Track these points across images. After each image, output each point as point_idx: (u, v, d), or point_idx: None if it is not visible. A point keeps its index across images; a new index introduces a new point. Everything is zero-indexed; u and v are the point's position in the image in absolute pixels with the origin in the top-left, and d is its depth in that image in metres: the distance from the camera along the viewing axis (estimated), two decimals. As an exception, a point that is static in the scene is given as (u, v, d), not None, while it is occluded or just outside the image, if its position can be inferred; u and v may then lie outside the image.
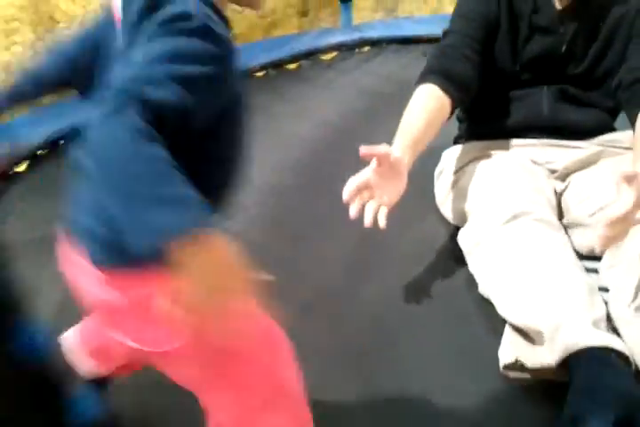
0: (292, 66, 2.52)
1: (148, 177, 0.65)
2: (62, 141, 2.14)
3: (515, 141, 1.60)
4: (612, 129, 1.63)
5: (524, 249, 1.34)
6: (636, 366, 1.19)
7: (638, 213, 1.13)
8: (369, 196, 1.23)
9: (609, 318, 1.27)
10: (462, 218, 1.54)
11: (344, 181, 1.24)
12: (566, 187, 1.56)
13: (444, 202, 1.64)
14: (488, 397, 1.25)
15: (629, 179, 1.13)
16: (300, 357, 0.96)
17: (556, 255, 1.34)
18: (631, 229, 1.16)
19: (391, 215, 1.26)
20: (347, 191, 1.20)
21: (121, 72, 0.74)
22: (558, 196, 1.55)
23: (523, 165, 1.54)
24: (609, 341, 1.17)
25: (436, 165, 1.71)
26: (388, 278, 1.52)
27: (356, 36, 2.67)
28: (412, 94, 1.48)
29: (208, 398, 0.95)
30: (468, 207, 1.51)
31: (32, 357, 0.93)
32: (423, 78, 1.49)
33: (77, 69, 0.94)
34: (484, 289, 1.41)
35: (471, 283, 1.46)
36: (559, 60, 1.55)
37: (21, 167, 2.02)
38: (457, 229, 1.57)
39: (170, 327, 0.74)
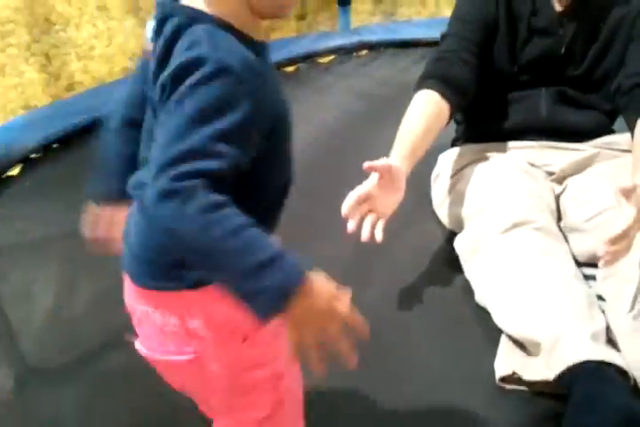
0: (290, 69, 2.50)
1: (241, 252, 0.69)
2: (56, 145, 2.12)
3: (512, 144, 1.59)
4: (610, 131, 1.62)
5: (524, 260, 1.33)
6: (634, 380, 1.17)
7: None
8: (367, 208, 1.21)
9: (608, 331, 1.25)
10: (459, 223, 1.52)
11: (341, 185, 1.23)
12: (564, 190, 1.55)
13: (441, 206, 1.63)
14: (484, 409, 1.23)
15: (627, 193, 1.12)
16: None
17: (556, 267, 1.32)
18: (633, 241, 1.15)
19: (387, 219, 1.24)
20: (346, 205, 1.19)
21: (164, 146, 0.72)
22: (556, 198, 1.54)
23: (521, 168, 1.52)
24: (608, 355, 1.16)
25: (432, 167, 1.69)
26: (383, 284, 1.50)
27: (354, 39, 2.65)
28: (410, 98, 1.47)
29: (206, 411, 0.98)
30: (466, 213, 1.49)
31: None
32: (421, 84, 1.48)
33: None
34: (480, 298, 1.39)
35: (467, 291, 1.44)
36: (558, 62, 1.54)
37: (14, 171, 2.00)
38: (453, 233, 1.55)
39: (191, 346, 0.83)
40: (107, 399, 1.31)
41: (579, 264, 1.42)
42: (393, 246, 1.56)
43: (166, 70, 0.74)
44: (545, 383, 1.20)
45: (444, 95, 1.44)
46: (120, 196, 0.90)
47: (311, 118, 2.18)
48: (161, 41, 0.76)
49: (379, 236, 1.21)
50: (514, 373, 1.22)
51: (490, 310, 1.35)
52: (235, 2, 0.76)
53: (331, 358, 0.74)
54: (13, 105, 2.55)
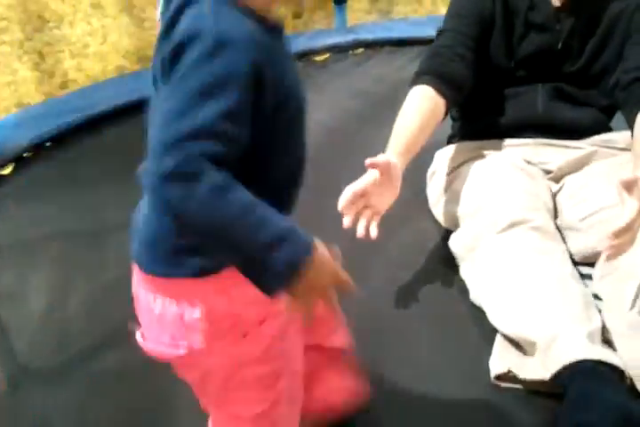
0: (286, 67, 2.49)
1: (248, 231, 0.70)
2: (49, 144, 2.10)
3: (509, 141, 1.58)
4: (607, 128, 1.61)
5: (520, 260, 1.32)
6: (630, 380, 1.16)
7: None
8: (363, 204, 1.20)
9: (604, 330, 1.25)
10: (455, 221, 1.51)
11: (337, 183, 1.21)
12: (560, 188, 1.54)
13: (437, 204, 1.61)
14: (479, 407, 1.22)
15: (629, 185, 1.11)
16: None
17: (552, 267, 1.31)
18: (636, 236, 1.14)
19: (382, 217, 1.23)
20: (343, 200, 1.17)
21: (168, 124, 0.71)
22: (553, 197, 1.53)
23: (518, 166, 1.51)
24: (604, 355, 1.15)
25: (428, 165, 1.68)
26: (377, 283, 1.49)
27: (350, 37, 2.64)
28: (405, 96, 1.46)
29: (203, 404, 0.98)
30: (462, 211, 1.48)
31: None
32: (416, 80, 1.47)
33: None
34: (475, 297, 1.38)
35: (462, 289, 1.43)
36: (555, 57, 1.53)
37: (7, 170, 1.98)
38: (449, 232, 1.54)
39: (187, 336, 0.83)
40: (99, 400, 1.31)
41: (575, 263, 1.41)
42: (388, 245, 1.55)
43: (168, 44, 0.72)
44: (541, 382, 1.19)
45: (439, 91, 1.43)
46: None
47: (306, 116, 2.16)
48: (167, 14, 0.75)
49: (373, 232, 1.20)
50: (509, 371, 1.21)
51: (485, 309, 1.34)
52: None
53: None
54: (6, 103, 2.53)
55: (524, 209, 1.39)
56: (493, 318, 1.31)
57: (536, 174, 1.53)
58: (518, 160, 1.53)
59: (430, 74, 1.45)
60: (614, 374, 1.14)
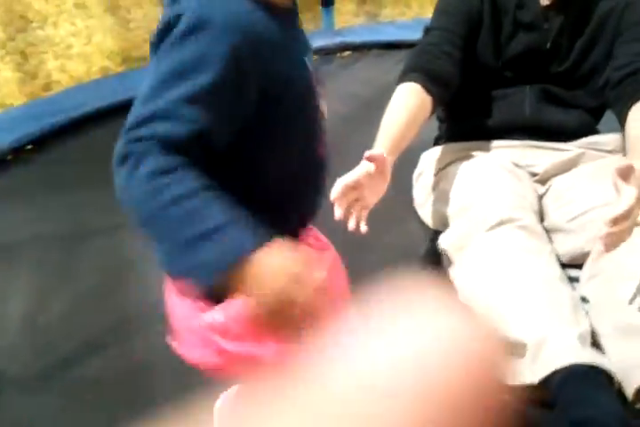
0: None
1: (179, 223, 0.63)
2: (30, 146, 2.07)
3: (496, 143, 1.57)
4: (594, 131, 1.60)
5: (508, 260, 1.31)
6: (619, 384, 1.15)
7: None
8: (355, 196, 1.19)
9: (592, 333, 1.23)
10: (443, 221, 1.50)
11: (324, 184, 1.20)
12: (547, 190, 1.53)
13: (424, 205, 1.60)
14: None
15: (625, 172, 1.09)
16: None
17: (541, 268, 1.30)
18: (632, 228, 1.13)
19: (368, 219, 1.22)
20: (335, 191, 1.16)
21: (132, 109, 0.68)
22: (539, 199, 1.52)
23: (505, 167, 1.50)
24: (595, 359, 1.14)
25: (414, 166, 1.67)
26: (363, 286, 1.47)
27: (337, 40, 2.63)
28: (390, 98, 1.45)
29: None
30: (450, 211, 1.47)
31: None
32: (403, 77, 1.45)
33: None
34: (464, 297, 1.36)
35: (450, 290, 1.41)
36: (543, 57, 1.52)
37: (-13, 172, 1.95)
38: (435, 233, 1.53)
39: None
40: (81, 406, 1.28)
41: (562, 266, 1.40)
42: (373, 246, 1.54)
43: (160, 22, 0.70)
44: (528, 388, 1.17)
45: (426, 88, 1.42)
46: None
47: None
48: None
49: (364, 228, 1.19)
50: None
51: (474, 310, 1.33)
52: None
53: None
54: (-12, 104, 2.50)
55: (511, 208, 1.38)
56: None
57: (523, 177, 1.52)
58: (505, 162, 1.52)
59: (417, 71, 1.44)
60: (605, 378, 1.13)
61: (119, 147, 0.65)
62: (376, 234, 1.42)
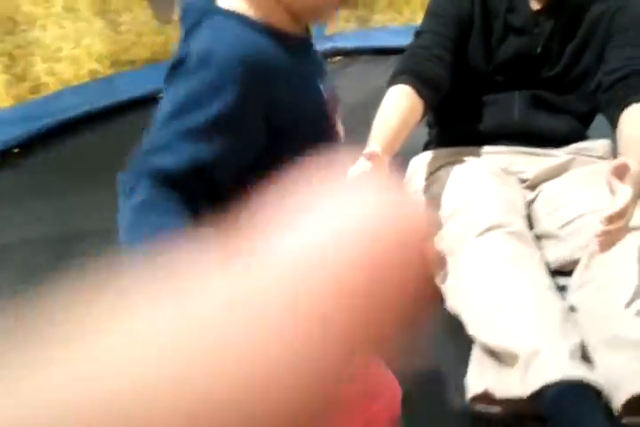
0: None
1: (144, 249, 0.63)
2: (17, 150, 2.05)
3: (485, 148, 1.56)
4: (584, 137, 1.60)
5: (498, 269, 1.29)
6: (607, 398, 1.14)
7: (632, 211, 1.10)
8: None
9: (582, 345, 1.22)
10: (434, 225, 1.49)
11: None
12: (536, 196, 1.52)
13: None
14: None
15: (620, 171, 1.09)
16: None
17: (531, 277, 1.29)
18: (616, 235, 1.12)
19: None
20: None
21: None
22: (528, 206, 1.51)
23: (494, 173, 1.49)
24: (585, 374, 1.13)
25: (403, 172, 1.65)
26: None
27: (328, 45, 2.63)
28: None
29: None
30: (439, 216, 1.46)
31: None
32: (394, 79, 1.44)
33: None
34: (452, 305, 1.35)
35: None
36: (534, 61, 1.51)
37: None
38: None
39: None
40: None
41: (551, 273, 1.38)
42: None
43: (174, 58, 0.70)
44: (518, 402, 1.15)
45: (417, 90, 1.40)
46: None
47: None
48: (184, 26, 0.72)
49: None
50: (486, 391, 1.18)
51: (462, 318, 1.31)
52: (264, 3, 0.71)
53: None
54: (-25, 107, 2.47)
55: (500, 214, 1.37)
56: (472, 328, 1.28)
57: (512, 183, 1.51)
58: (495, 168, 1.51)
59: (408, 74, 1.43)
60: (594, 394, 1.12)
61: (122, 174, 0.67)
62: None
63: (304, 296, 0.23)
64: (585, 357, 1.21)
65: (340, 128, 0.79)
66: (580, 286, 1.32)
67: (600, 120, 1.58)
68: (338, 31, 2.81)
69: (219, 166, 0.68)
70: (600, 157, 1.53)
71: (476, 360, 1.25)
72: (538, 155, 1.55)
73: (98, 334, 0.21)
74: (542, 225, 1.46)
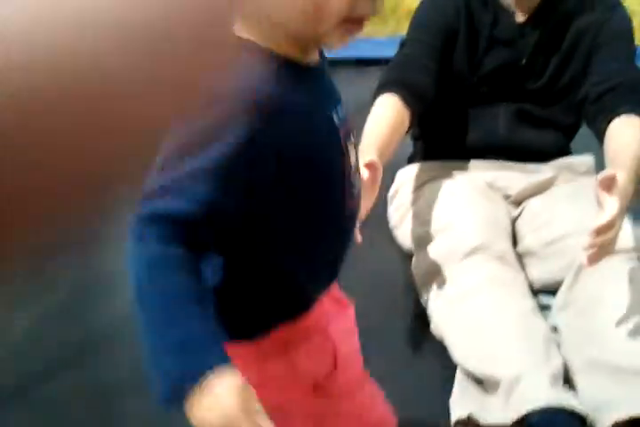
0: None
1: (155, 320, 0.63)
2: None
3: (470, 163, 1.57)
4: (568, 151, 1.61)
5: (481, 293, 1.30)
6: (590, 423, 1.15)
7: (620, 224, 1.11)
8: None
9: (564, 368, 1.23)
10: (418, 244, 1.48)
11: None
12: (520, 213, 1.53)
13: (399, 226, 1.59)
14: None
15: (608, 183, 1.10)
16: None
17: (514, 300, 1.30)
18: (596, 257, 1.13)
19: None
20: None
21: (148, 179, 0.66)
22: (513, 222, 1.52)
23: (479, 189, 1.50)
24: (567, 400, 1.13)
25: (389, 184, 1.65)
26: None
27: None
28: (367, 117, 1.44)
29: None
30: (425, 235, 1.45)
31: None
32: (381, 89, 1.44)
33: None
34: (436, 329, 1.35)
35: (422, 319, 1.39)
36: (519, 72, 1.52)
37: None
38: (410, 256, 1.51)
39: None
40: (48, 426, 1.25)
41: (534, 292, 1.39)
42: (344, 269, 1.52)
43: None
44: None
45: (405, 100, 1.40)
46: None
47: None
48: None
49: (359, 238, 1.17)
50: (470, 416, 1.17)
51: (446, 343, 1.31)
52: (267, 27, 0.67)
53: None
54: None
55: (484, 235, 1.37)
56: (455, 354, 1.28)
57: (497, 199, 1.52)
58: (480, 184, 1.52)
59: (394, 83, 1.43)
60: (577, 421, 1.12)
61: (131, 218, 0.64)
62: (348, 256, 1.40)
63: None
64: (567, 379, 1.21)
65: (353, 157, 0.76)
66: (563, 308, 1.33)
67: (582, 133, 1.59)
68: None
69: (226, 210, 0.65)
70: (584, 173, 1.54)
71: (460, 385, 1.25)
72: (523, 170, 1.56)
73: None
74: (526, 242, 1.47)
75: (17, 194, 0.19)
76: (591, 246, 1.12)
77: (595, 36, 1.48)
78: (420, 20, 1.54)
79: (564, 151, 1.61)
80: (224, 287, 0.71)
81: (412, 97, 1.42)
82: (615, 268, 1.25)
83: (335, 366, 0.82)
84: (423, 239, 1.45)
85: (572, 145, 1.64)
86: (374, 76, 2.41)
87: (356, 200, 0.76)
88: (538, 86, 1.53)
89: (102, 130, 0.20)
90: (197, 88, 0.23)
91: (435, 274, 1.37)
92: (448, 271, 1.34)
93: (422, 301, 1.42)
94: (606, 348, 1.20)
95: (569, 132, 1.61)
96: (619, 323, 1.21)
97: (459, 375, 1.26)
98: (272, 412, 0.65)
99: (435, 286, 1.36)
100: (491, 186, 1.54)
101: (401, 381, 1.29)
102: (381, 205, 1.65)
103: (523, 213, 1.53)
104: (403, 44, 1.54)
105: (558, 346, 1.27)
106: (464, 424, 1.18)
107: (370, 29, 3.08)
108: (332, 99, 0.75)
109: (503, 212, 1.50)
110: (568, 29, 1.50)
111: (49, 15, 0.19)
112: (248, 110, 0.64)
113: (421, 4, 1.56)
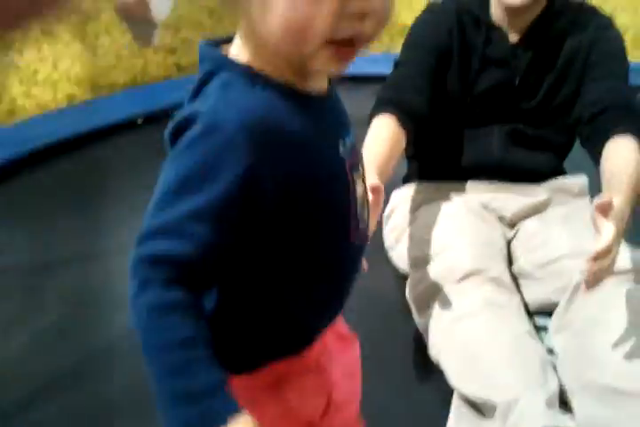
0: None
1: (162, 370, 0.61)
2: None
3: (466, 185, 1.57)
4: (561, 171, 1.61)
5: (476, 317, 1.29)
6: None
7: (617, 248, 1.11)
8: None
9: (560, 390, 1.22)
10: (414, 266, 1.46)
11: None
12: (515, 234, 1.53)
13: (395, 247, 1.58)
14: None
15: (605, 208, 1.10)
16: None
17: (510, 324, 1.29)
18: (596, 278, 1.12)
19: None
20: None
21: (146, 216, 0.63)
22: (508, 243, 1.52)
23: (474, 211, 1.50)
24: (563, 422, 1.13)
25: (383, 204, 1.64)
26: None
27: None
28: (361, 133, 1.43)
29: None
30: (421, 256, 1.44)
31: None
32: (377, 110, 1.44)
33: None
34: (433, 353, 1.35)
35: (419, 343, 1.38)
36: (512, 93, 1.52)
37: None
38: (405, 277, 1.49)
39: None
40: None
41: (530, 313, 1.39)
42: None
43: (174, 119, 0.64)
44: None
45: (400, 121, 1.40)
46: None
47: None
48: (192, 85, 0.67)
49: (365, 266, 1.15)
50: None
51: (442, 366, 1.30)
52: (264, 50, 0.65)
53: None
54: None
55: (479, 257, 1.37)
56: (451, 378, 1.28)
57: (492, 221, 1.52)
58: (475, 205, 1.52)
59: (390, 104, 1.43)
60: None
61: (131, 257, 0.62)
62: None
63: None
64: (564, 400, 1.21)
65: (360, 189, 0.74)
66: (558, 330, 1.33)
67: (575, 152, 1.59)
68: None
69: (228, 248, 0.64)
70: (577, 195, 1.55)
71: (456, 409, 1.25)
72: (517, 192, 1.56)
73: None
74: (521, 264, 1.47)
75: None
76: (588, 272, 1.11)
77: (588, 56, 1.48)
78: (413, 41, 1.54)
79: (558, 171, 1.61)
80: (221, 317, 0.70)
81: (406, 117, 1.42)
82: (611, 289, 1.25)
83: (327, 408, 0.80)
84: (419, 261, 1.44)
85: (567, 166, 1.64)
86: (370, 92, 2.42)
87: (362, 232, 0.74)
88: (531, 106, 1.53)
89: None
90: None
91: (430, 296, 1.36)
92: (444, 294, 1.34)
93: (417, 323, 1.40)
94: (603, 370, 1.19)
95: (562, 152, 1.61)
96: (615, 345, 1.21)
97: (455, 400, 1.26)
98: None
99: (430, 309, 1.35)
100: (486, 207, 1.54)
101: (396, 407, 1.29)
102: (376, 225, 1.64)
103: (518, 235, 1.53)
104: (397, 65, 1.54)
105: (554, 368, 1.26)
106: None
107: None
108: (338, 128, 0.72)
109: (498, 233, 1.50)
110: (561, 49, 1.50)
111: None
112: (243, 144, 0.61)
113: (415, 23, 1.57)
